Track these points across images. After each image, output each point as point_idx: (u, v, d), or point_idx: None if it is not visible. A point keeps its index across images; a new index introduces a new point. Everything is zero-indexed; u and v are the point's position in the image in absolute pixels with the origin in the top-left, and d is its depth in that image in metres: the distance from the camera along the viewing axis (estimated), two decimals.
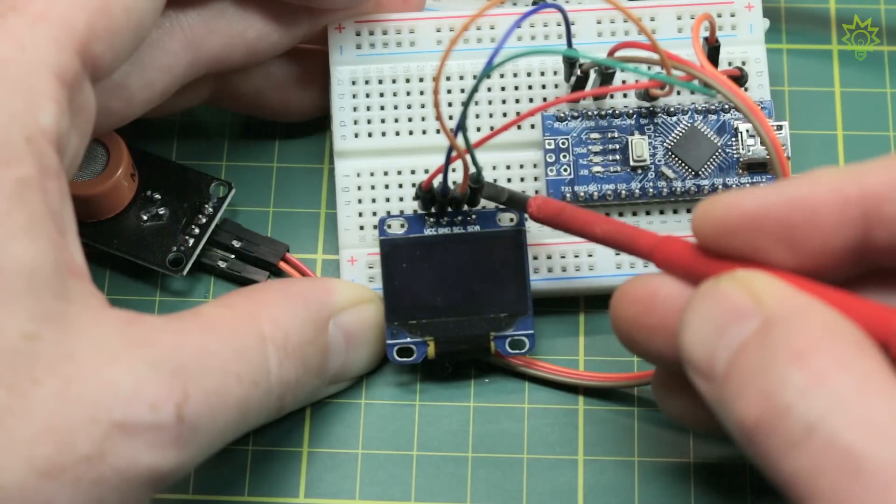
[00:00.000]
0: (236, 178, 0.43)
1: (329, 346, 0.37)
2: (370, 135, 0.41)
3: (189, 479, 0.39)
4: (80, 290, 0.31)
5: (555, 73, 0.41)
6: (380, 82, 0.41)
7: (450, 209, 0.40)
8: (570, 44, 0.39)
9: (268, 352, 0.34)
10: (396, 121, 0.41)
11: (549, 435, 0.40)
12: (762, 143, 0.38)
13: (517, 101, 0.41)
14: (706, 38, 0.40)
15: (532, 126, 0.41)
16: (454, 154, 0.37)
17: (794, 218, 0.31)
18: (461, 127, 0.36)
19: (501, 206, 0.40)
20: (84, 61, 0.32)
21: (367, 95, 0.41)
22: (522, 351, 0.39)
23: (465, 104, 0.35)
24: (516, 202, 0.39)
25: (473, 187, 0.39)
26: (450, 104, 0.41)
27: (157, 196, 0.42)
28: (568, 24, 0.38)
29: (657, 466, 0.40)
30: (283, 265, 0.42)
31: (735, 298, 0.30)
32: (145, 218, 0.41)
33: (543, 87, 0.41)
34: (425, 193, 0.39)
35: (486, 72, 0.34)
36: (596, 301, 0.41)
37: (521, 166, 0.41)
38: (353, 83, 0.41)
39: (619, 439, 0.40)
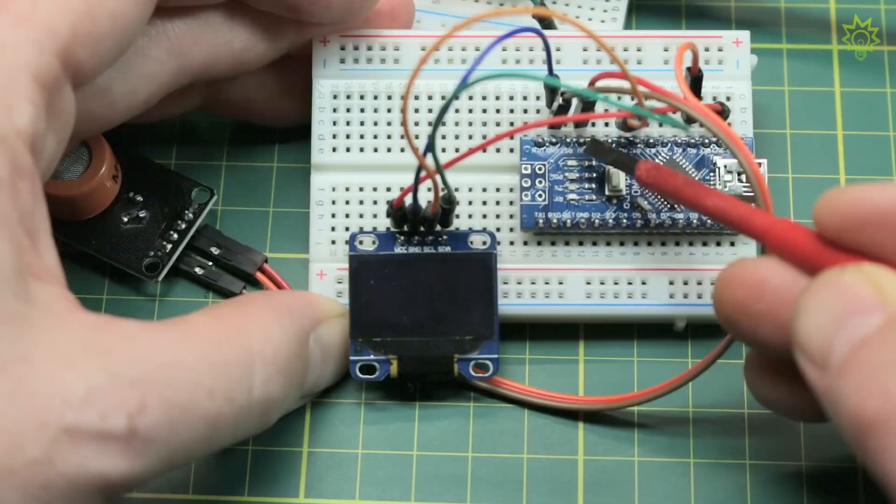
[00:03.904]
0: (236, 178, 0.43)
1: (309, 361, 0.37)
2: (348, 150, 0.41)
3: (189, 479, 0.40)
4: (46, 294, 0.31)
5: (537, 97, 0.41)
6: (361, 98, 0.41)
7: (422, 228, 0.40)
8: (550, 69, 0.39)
9: (254, 367, 0.34)
10: (375, 137, 0.41)
11: (549, 435, 0.40)
12: (745, 177, 0.37)
13: (497, 124, 0.41)
14: (689, 68, 0.40)
15: (511, 150, 0.41)
16: (424, 174, 0.37)
17: None
18: (430, 147, 0.36)
19: (472, 233, 0.40)
20: (65, 65, 0.32)
21: (348, 110, 0.41)
22: (486, 374, 0.39)
23: (435, 124, 0.35)
24: (622, 164, 0.38)
25: (445, 207, 0.39)
26: (429, 124, 0.41)
27: (140, 198, 0.42)
28: (548, 49, 0.38)
29: (657, 466, 0.39)
30: (259, 276, 0.42)
31: (859, 291, 0.30)
32: (125, 220, 0.42)
33: (525, 111, 0.41)
34: (396, 211, 0.39)
35: (457, 92, 0.35)
36: (596, 329, 0.41)
37: (498, 189, 0.41)
38: (335, 97, 0.41)
39: (620, 439, 0.40)
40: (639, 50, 0.41)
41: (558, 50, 0.41)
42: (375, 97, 0.41)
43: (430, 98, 0.41)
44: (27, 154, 0.31)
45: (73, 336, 0.31)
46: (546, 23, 0.42)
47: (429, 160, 0.36)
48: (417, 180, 0.37)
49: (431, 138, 0.35)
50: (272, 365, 0.34)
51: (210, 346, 0.33)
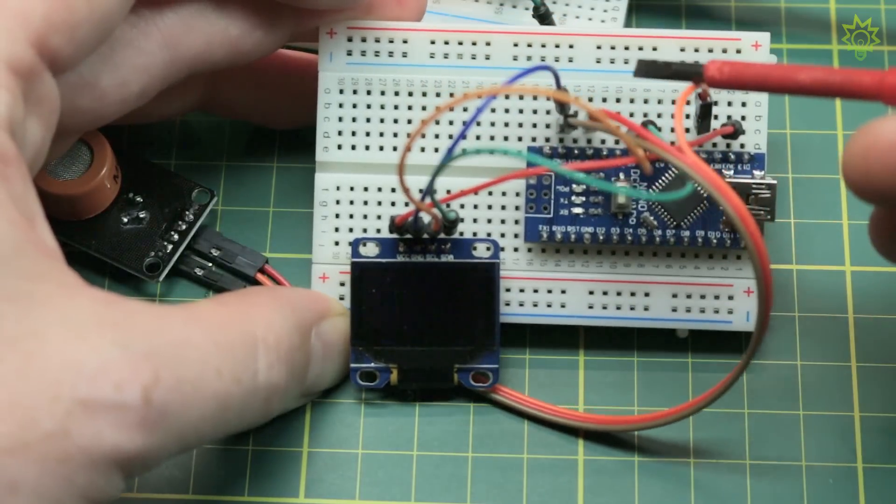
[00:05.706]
0: (236, 179, 0.43)
1: (311, 355, 0.38)
2: (353, 147, 0.40)
3: (189, 479, 0.40)
4: (53, 270, 0.31)
5: (547, 98, 0.40)
6: (368, 93, 0.40)
7: (425, 236, 0.39)
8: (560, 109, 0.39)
9: (258, 352, 0.34)
10: (382, 135, 0.40)
11: (549, 435, 0.41)
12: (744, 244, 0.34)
13: (506, 124, 0.40)
14: (699, 94, 0.38)
15: (518, 151, 0.40)
16: (428, 201, 0.37)
17: None
18: (429, 192, 0.35)
19: (475, 241, 0.39)
20: (41, 53, 0.32)
21: (354, 106, 0.40)
22: (486, 384, 0.40)
23: (431, 179, 0.35)
24: (684, 74, 0.35)
25: (447, 226, 0.38)
26: (437, 122, 0.40)
27: (139, 199, 0.42)
28: (558, 82, 0.37)
29: (657, 466, 0.40)
30: (260, 277, 0.42)
31: None
32: (125, 220, 0.41)
33: (535, 111, 0.40)
34: (399, 228, 0.39)
35: (446, 162, 0.34)
36: (596, 334, 0.41)
37: (504, 193, 0.40)
38: (341, 92, 0.40)
39: (619, 440, 0.40)
40: (654, 49, 0.40)
41: (571, 48, 0.40)
42: (383, 92, 0.40)
43: (437, 95, 0.40)
44: (9, 140, 0.31)
45: (83, 309, 0.31)
46: (543, 16, 0.41)
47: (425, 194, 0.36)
48: (419, 209, 0.37)
49: (430, 185, 0.35)
50: (274, 352, 0.35)
51: (215, 328, 0.33)
